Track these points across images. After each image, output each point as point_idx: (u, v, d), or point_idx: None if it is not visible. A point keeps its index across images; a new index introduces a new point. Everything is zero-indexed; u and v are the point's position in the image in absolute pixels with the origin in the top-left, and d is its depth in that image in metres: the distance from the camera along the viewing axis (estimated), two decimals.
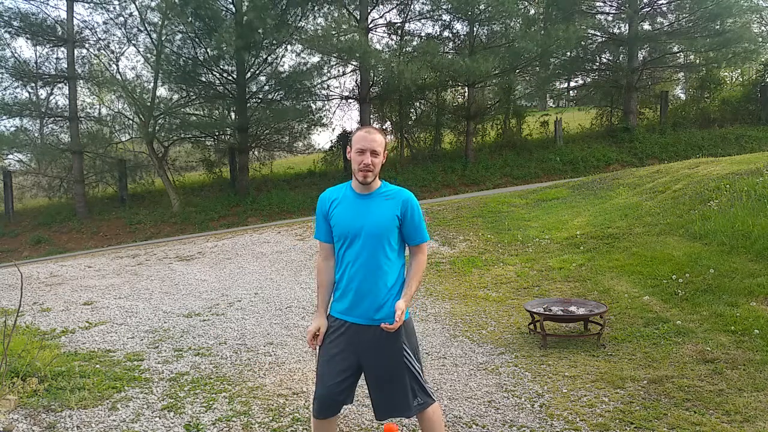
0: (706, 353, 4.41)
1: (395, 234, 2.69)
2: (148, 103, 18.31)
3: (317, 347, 2.74)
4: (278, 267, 9.01)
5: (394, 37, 20.64)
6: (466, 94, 20.81)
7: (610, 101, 21.34)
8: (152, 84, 18.86)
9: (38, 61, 20.56)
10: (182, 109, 19.48)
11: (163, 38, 18.14)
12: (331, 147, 21.40)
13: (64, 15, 19.40)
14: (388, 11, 20.90)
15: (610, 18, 21.11)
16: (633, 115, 20.38)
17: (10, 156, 22.11)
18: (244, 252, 10.35)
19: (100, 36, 20.02)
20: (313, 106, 20.20)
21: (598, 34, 20.79)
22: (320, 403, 2.68)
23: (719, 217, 7.23)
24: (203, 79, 19.21)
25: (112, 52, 20.33)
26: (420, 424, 2.78)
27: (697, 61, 21.18)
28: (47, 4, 23.72)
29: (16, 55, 20.29)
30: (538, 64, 19.94)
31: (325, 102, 20.81)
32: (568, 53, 20.01)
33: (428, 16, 19.95)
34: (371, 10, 19.73)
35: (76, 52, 19.53)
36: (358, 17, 18.69)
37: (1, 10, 18.40)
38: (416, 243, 2.75)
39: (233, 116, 20.04)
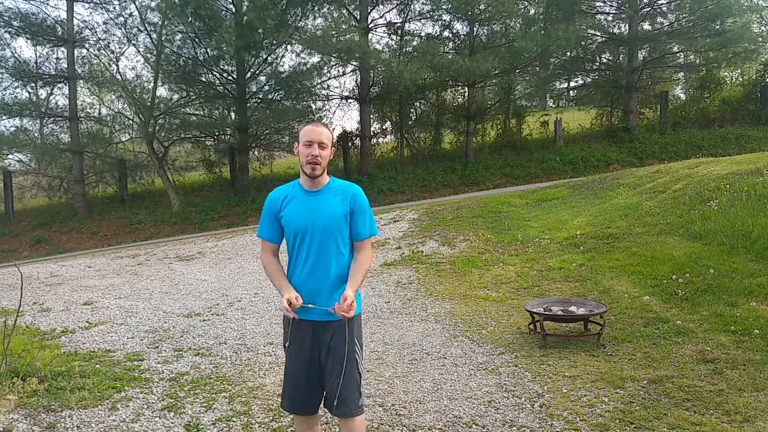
0: (706, 353, 4.41)
1: (346, 229, 2.72)
2: (148, 103, 18.32)
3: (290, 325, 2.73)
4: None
5: (394, 37, 20.65)
6: (466, 94, 20.82)
7: (610, 101, 21.34)
8: (152, 84, 18.88)
9: (38, 61, 20.59)
10: (182, 109, 19.49)
11: (163, 38, 18.15)
12: (331, 147, 21.37)
13: (64, 15, 19.42)
14: (388, 11, 20.92)
15: (610, 18, 21.13)
16: (633, 115, 20.38)
17: (10, 156, 22.15)
18: (244, 252, 10.35)
19: (100, 36, 20.06)
20: (313, 106, 20.23)
21: (598, 34, 20.79)
22: (292, 401, 2.77)
23: (719, 217, 7.23)
24: (203, 79, 19.22)
25: (112, 52, 20.38)
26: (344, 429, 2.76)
27: (697, 61, 21.18)
28: (47, 4, 23.72)
29: (16, 55, 20.32)
30: (538, 64, 19.95)
31: (325, 102, 20.85)
32: (568, 53, 20.01)
33: (428, 16, 19.97)
34: (371, 10, 19.73)
35: (76, 52, 19.54)
36: (358, 17, 18.69)
37: (1, 10, 18.42)
38: (362, 238, 2.75)
39: (233, 116, 20.05)
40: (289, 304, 2.59)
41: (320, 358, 2.71)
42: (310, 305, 2.64)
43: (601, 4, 21.06)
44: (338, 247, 2.70)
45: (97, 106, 22.45)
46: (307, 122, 2.86)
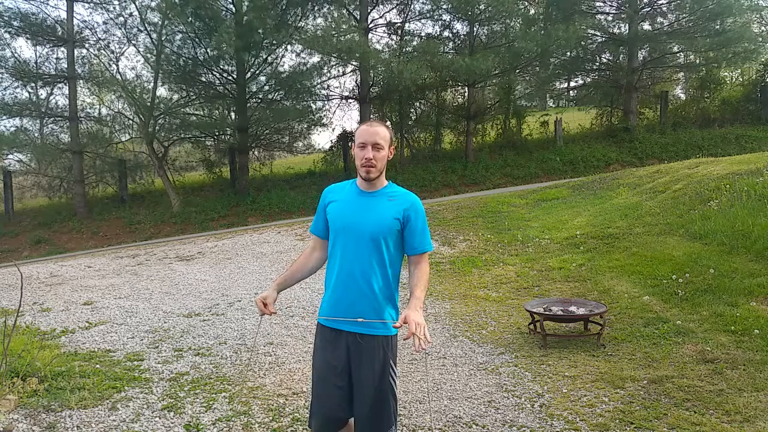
0: (706, 353, 4.41)
1: (394, 238, 2.50)
2: (148, 103, 18.31)
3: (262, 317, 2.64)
4: (278, 267, 9.00)
5: (394, 37, 20.65)
6: (466, 94, 20.82)
7: (610, 101, 21.34)
8: (152, 84, 18.87)
9: (38, 61, 20.59)
10: (182, 109, 19.48)
11: (163, 38, 18.15)
12: (331, 147, 21.41)
13: (64, 15, 19.42)
14: (388, 11, 20.93)
15: (610, 18, 21.13)
16: (633, 115, 20.38)
17: (10, 156, 22.12)
18: (244, 252, 10.35)
19: (100, 36, 20.05)
20: (313, 106, 20.22)
21: (598, 34, 20.79)
22: (319, 422, 2.52)
23: (719, 217, 7.23)
24: (203, 79, 19.21)
25: (112, 52, 20.36)
26: None
27: (697, 61, 21.19)
28: (47, 4, 23.77)
29: (16, 55, 20.33)
30: (538, 64, 19.94)
31: (325, 102, 20.84)
32: (568, 53, 20.01)
33: (428, 16, 19.96)
34: (371, 10, 19.73)
35: (76, 52, 19.53)
36: (358, 17, 18.69)
37: (1, 10, 18.41)
38: (417, 252, 2.54)
39: (233, 116, 20.04)
40: (264, 305, 2.52)
41: (352, 378, 2.48)
42: (360, 319, 2.45)
43: (601, 4, 21.08)
44: (382, 257, 2.48)
45: (97, 106, 22.45)
46: (365, 121, 2.67)
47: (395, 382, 2.51)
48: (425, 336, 2.18)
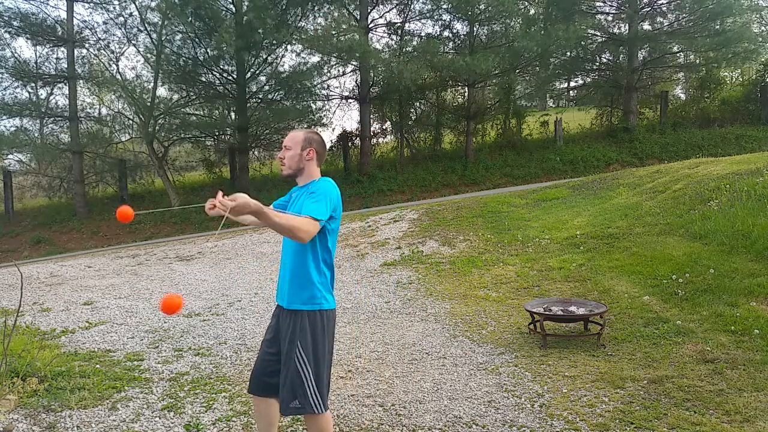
0: (706, 353, 4.41)
1: None
2: (148, 103, 18.32)
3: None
4: (278, 267, 9.00)
5: (394, 36, 20.65)
6: (466, 94, 20.82)
7: (610, 101, 21.34)
8: (152, 84, 18.89)
9: (38, 61, 20.61)
10: (182, 109, 19.49)
11: (163, 38, 18.15)
12: (331, 147, 21.40)
13: (64, 15, 19.43)
14: (388, 11, 20.93)
15: (610, 18, 21.13)
16: (633, 115, 20.38)
17: (10, 156, 22.15)
18: (244, 252, 10.35)
19: (100, 36, 20.05)
20: (313, 106, 20.23)
21: (598, 34, 20.79)
22: (251, 379, 2.94)
23: (719, 217, 7.23)
24: (203, 79, 19.21)
25: (112, 52, 20.38)
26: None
27: (697, 61, 21.19)
28: (47, 4, 23.78)
29: (16, 55, 20.33)
30: (538, 64, 19.94)
31: (325, 102, 20.85)
32: (568, 53, 20.01)
33: (428, 15, 19.96)
34: (371, 10, 19.73)
35: (76, 52, 19.54)
36: (358, 17, 18.69)
37: (1, 10, 18.41)
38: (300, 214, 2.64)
39: (233, 116, 20.04)
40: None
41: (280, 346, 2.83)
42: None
43: (601, 4, 21.07)
44: (299, 245, 2.71)
45: (97, 106, 22.47)
46: None
47: (302, 362, 2.69)
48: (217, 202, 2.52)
